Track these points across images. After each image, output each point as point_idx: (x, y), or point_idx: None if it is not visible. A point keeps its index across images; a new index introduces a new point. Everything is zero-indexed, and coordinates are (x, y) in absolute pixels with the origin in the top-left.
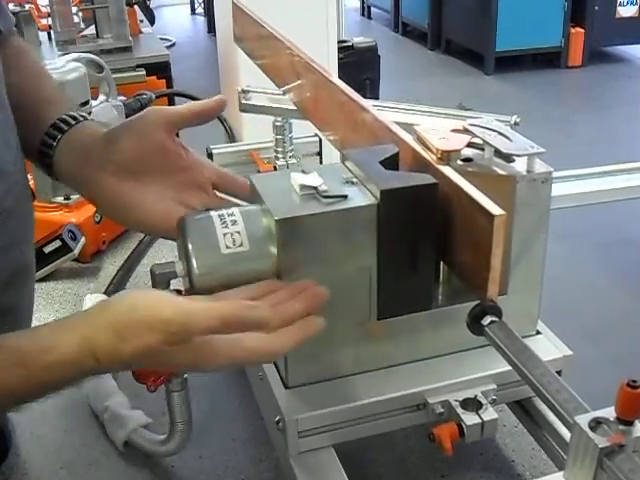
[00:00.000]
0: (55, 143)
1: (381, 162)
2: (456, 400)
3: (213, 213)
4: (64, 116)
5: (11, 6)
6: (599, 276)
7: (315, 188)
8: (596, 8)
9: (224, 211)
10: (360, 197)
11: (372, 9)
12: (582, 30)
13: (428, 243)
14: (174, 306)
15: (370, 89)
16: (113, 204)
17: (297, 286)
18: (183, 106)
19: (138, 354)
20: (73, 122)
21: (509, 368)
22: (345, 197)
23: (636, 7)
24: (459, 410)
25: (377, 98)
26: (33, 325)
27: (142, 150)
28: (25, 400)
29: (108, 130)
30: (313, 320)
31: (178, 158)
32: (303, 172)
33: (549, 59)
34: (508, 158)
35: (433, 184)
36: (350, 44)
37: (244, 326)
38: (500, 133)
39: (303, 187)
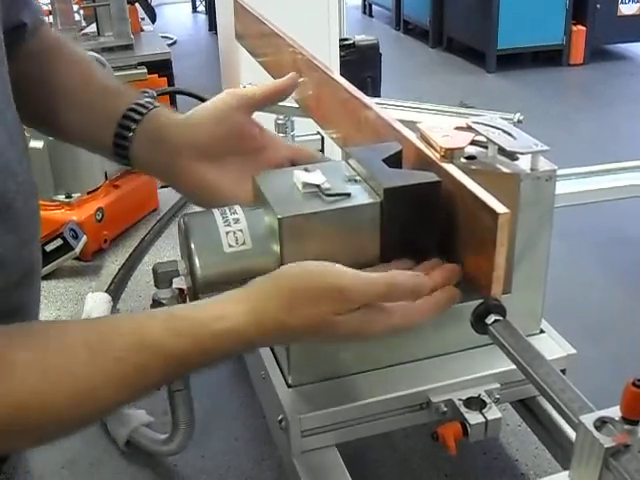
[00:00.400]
0: (130, 134)
1: (384, 160)
2: (460, 399)
3: (215, 211)
4: (133, 105)
5: None
6: (598, 275)
7: (318, 186)
8: (598, 6)
9: (226, 209)
10: (363, 195)
11: (373, 7)
12: (584, 28)
13: (431, 241)
14: (351, 273)
15: (371, 87)
16: (194, 188)
17: (429, 263)
18: (257, 87)
19: (305, 325)
20: (144, 110)
21: (513, 367)
22: (348, 195)
23: (638, 5)
24: (463, 409)
25: (378, 96)
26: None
27: (220, 133)
28: (189, 369)
29: (184, 116)
30: (453, 289)
31: (255, 139)
32: (306, 170)
33: (551, 57)
34: (512, 156)
35: (436, 182)
36: (352, 42)
37: (406, 293)
38: (504, 131)
39: (306, 185)
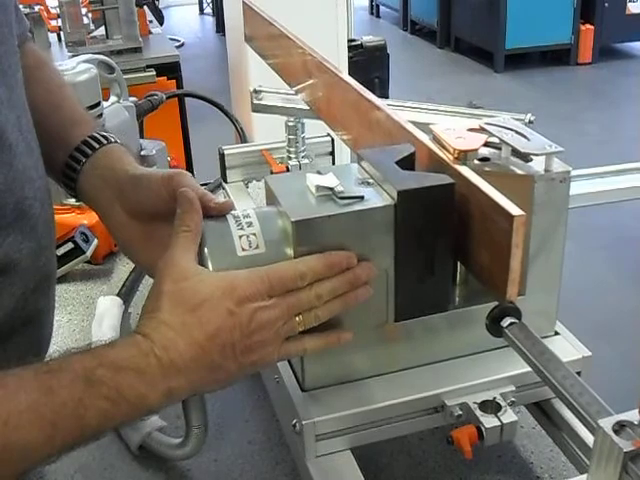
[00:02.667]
0: (79, 167)
1: (397, 162)
2: (475, 402)
3: (229, 215)
4: (88, 139)
5: (20, 7)
6: (609, 275)
7: (331, 189)
8: (606, 5)
9: (240, 213)
10: (376, 198)
11: (381, 8)
12: (592, 27)
13: (445, 244)
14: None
15: (379, 88)
16: (123, 239)
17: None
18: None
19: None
20: (97, 146)
21: (527, 369)
22: (361, 198)
23: None
24: (478, 412)
25: (386, 97)
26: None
27: (148, 204)
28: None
29: (124, 178)
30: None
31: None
32: (319, 173)
33: (559, 56)
34: (525, 157)
35: (450, 184)
36: (359, 43)
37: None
38: (517, 132)
39: (319, 188)
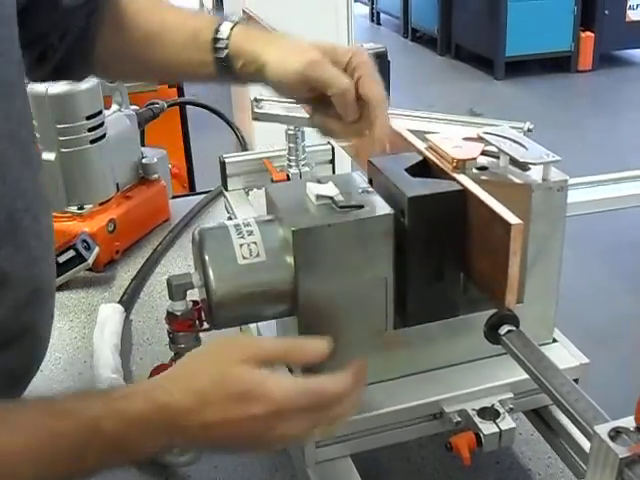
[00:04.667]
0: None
1: (407, 169)
2: (473, 409)
3: (229, 223)
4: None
5: None
6: (608, 281)
7: (331, 198)
8: (606, 12)
9: (240, 221)
10: (376, 207)
11: (381, 15)
12: (592, 34)
13: (455, 249)
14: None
15: None
16: None
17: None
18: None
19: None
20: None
21: (526, 377)
22: (361, 207)
23: None
24: (476, 419)
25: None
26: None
27: None
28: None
29: None
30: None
31: None
32: (319, 182)
33: (559, 63)
34: (523, 166)
35: (460, 190)
36: None
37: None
38: (515, 141)
39: (319, 197)
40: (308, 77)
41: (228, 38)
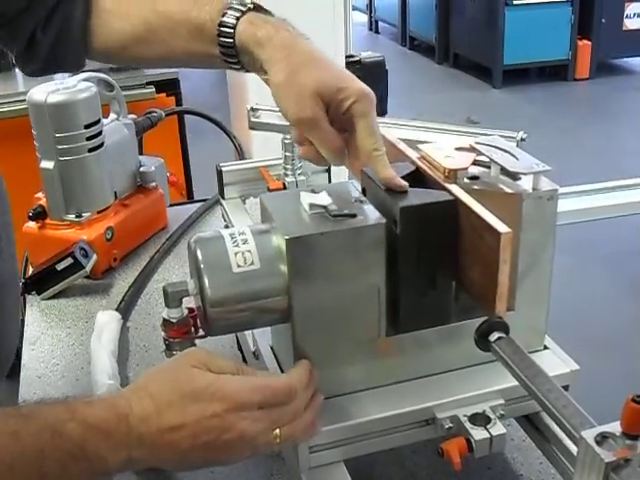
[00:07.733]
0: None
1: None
2: (465, 415)
3: (224, 232)
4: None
5: None
6: (607, 288)
7: (324, 207)
8: (603, 21)
9: (235, 230)
10: (369, 216)
11: (379, 23)
12: (589, 43)
13: (447, 259)
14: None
15: (378, 104)
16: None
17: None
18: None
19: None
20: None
21: (516, 383)
22: (354, 216)
23: None
24: (468, 425)
25: (385, 113)
26: (38, 341)
27: None
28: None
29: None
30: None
31: None
32: (313, 191)
33: (556, 72)
34: (514, 176)
35: (451, 200)
36: (358, 59)
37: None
38: (506, 151)
39: (312, 206)
40: (300, 130)
41: (233, 33)
